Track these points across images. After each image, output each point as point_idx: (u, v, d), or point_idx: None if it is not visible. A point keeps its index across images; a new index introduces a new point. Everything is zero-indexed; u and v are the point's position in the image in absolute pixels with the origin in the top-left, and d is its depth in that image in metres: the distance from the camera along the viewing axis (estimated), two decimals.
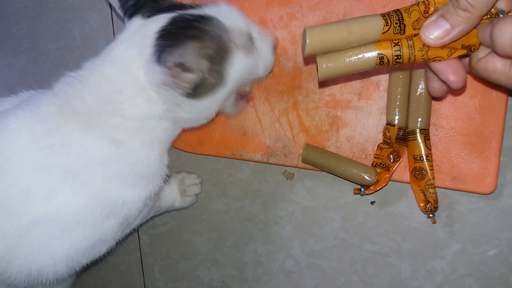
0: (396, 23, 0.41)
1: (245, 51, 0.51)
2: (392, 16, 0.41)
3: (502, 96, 0.53)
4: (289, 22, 0.60)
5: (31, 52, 0.83)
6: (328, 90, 0.59)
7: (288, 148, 0.62)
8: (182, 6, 0.51)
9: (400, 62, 0.42)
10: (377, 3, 0.56)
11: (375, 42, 0.42)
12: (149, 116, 0.51)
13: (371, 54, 0.42)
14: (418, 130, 0.54)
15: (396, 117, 0.55)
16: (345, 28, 0.42)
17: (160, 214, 0.69)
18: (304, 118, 0.61)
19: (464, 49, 0.40)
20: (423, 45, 0.40)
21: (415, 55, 0.41)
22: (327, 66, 0.43)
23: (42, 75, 0.82)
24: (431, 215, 0.56)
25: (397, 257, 0.58)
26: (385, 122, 0.56)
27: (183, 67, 0.46)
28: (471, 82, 0.53)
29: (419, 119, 0.54)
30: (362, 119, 0.58)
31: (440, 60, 0.41)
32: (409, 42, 0.41)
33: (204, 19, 0.49)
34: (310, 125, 0.61)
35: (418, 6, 0.41)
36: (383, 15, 0.41)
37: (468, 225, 0.56)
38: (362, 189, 0.57)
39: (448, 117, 0.55)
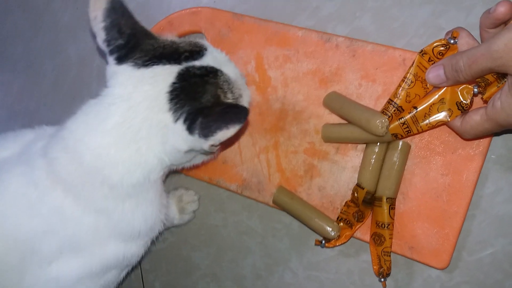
0: (394, 110, 0.51)
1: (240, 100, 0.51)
2: (388, 108, 0.51)
3: (471, 180, 0.54)
4: (284, 63, 0.61)
5: (28, 71, 0.84)
6: (309, 137, 0.60)
7: (262, 185, 0.63)
8: (176, 52, 0.47)
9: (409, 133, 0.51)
10: (370, 64, 0.56)
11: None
12: (143, 183, 0.49)
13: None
14: (385, 198, 0.54)
15: (366, 181, 0.55)
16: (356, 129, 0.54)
17: None
18: (282, 159, 0.62)
19: (459, 109, 0.47)
20: (424, 115, 0.49)
21: (421, 126, 0.50)
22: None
23: (39, 94, 0.83)
24: (382, 280, 0.57)
25: (393, 267, 0.59)
26: (356, 182, 0.57)
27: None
28: (446, 160, 0.55)
29: (388, 188, 0.55)
30: (336, 173, 0.59)
31: (442, 124, 0.49)
32: (413, 118, 0.50)
33: (213, 74, 0.47)
34: (286, 168, 0.62)
35: (400, 85, 0.50)
36: (382, 111, 0.52)
37: (462, 233, 0.57)
38: (323, 242, 0.58)
39: (417, 190, 0.56)
